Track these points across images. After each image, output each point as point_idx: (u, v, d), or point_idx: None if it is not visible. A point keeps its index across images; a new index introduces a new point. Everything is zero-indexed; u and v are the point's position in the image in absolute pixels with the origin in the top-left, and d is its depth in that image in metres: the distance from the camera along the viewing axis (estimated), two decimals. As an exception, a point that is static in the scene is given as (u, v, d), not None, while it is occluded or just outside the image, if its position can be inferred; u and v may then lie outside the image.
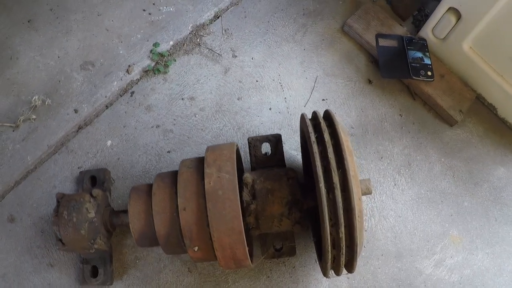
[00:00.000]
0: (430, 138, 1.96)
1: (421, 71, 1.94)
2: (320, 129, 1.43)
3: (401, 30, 2.05)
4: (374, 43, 1.99)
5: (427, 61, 1.97)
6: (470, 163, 1.95)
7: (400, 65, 1.96)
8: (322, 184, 1.35)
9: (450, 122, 1.98)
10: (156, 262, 1.77)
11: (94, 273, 1.73)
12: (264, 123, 1.94)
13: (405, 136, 1.95)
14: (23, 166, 1.88)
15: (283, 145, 1.85)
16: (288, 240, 1.70)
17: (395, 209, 1.85)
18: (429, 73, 1.95)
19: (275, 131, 1.90)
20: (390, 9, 2.13)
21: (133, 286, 1.75)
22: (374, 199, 1.86)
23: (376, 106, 1.98)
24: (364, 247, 1.79)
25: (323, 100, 1.97)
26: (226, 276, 1.76)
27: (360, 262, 1.78)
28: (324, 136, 1.39)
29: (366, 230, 1.82)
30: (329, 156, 1.36)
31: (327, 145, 1.38)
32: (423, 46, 2.00)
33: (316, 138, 1.42)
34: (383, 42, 1.98)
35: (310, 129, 1.44)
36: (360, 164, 1.89)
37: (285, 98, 1.98)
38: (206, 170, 1.44)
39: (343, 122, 1.93)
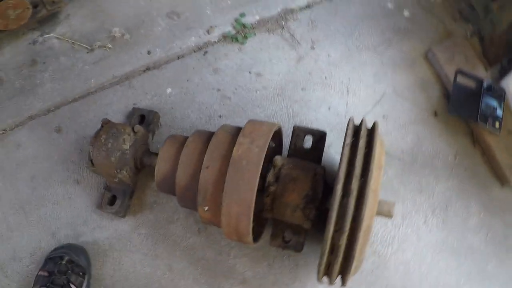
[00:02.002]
0: (476, 189, 1.89)
1: (489, 119, 1.87)
2: (358, 134, 1.42)
3: (483, 73, 1.98)
4: (452, 78, 1.94)
5: (499, 112, 1.89)
6: (509, 228, 1.86)
7: (471, 106, 1.89)
8: (339, 186, 1.34)
9: (502, 180, 1.90)
10: (171, 212, 1.83)
11: (112, 201, 1.81)
12: (318, 120, 1.94)
13: (452, 178, 1.89)
14: (85, 87, 1.99)
15: (329, 147, 1.87)
16: (300, 235, 1.68)
17: (416, 246, 1.80)
18: (497, 125, 1.87)
19: (326, 130, 1.88)
20: (480, 50, 2.06)
21: (142, 226, 1.81)
22: (399, 229, 1.82)
23: (434, 140, 1.93)
24: (372, 271, 1.77)
25: (383, 116, 1.94)
26: (230, 249, 1.79)
27: (363, 283, 1.76)
28: (360, 142, 1.39)
29: (379, 256, 1.78)
30: (356, 162, 1.35)
31: (358, 151, 1.37)
32: (500, 96, 1.92)
33: (352, 142, 1.41)
34: (461, 79, 1.92)
35: (350, 131, 1.43)
36: (397, 190, 1.85)
37: (347, 102, 1.96)
38: (239, 139, 1.47)
39: (396, 144, 1.91)
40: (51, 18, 2.08)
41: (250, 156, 1.42)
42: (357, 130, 1.46)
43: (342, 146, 1.40)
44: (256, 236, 1.60)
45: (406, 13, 2.09)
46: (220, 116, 1.94)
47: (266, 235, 1.73)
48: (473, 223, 1.85)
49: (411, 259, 1.79)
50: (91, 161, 1.69)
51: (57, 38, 2.06)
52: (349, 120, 1.47)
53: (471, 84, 1.92)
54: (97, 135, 1.68)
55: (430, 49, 2.00)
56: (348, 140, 1.41)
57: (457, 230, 1.83)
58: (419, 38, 2.07)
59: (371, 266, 1.77)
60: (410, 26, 2.08)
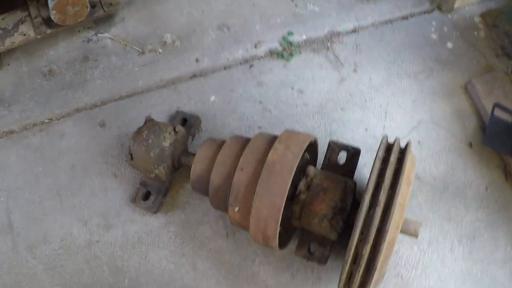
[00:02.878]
0: (506, 223, 1.88)
1: (524, 154, 1.88)
2: (391, 150, 1.46)
3: (522, 109, 2.00)
4: (489, 110, 1.95)
5: (534, 148, 1.90)
6: (536, 265, 1.86)
7: (506, 140, 1.90)
8: (368, 196, 1.37)
9: (533, 216, 1.89)
10: (202, 214, 1.87)
11: (146, 197, 1.86)
12: (355, 140, 1.98)
13: (482, 210, 1.89)
14: (133, 86, 2.08)
15: (363, 167, 1.90)
16: (325, 248, 1.70)
17: (440, 272, 1.80)
18: (532, 160, 1.88)
19: (362, 151, 1.91)
20: (521, 86, 2.09)
21: (172, 224, 1.86)
22: (424, 254, 1.82)
23: (467, 170, 1.94)
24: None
25: (418, 142, 1.96)
26: (255, 256, 1.81)
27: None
28: (391, 156, 1.42)
29: (402, 279, 1.79)
30: (386, 175, 1.39)
31: (389, 165, 1.40)
32: (537, 133, 1.93)
33: (383, 157, 1.45)
34: (498, 113, 1.93)
35: (382, 146, 1.47)
36: (426, 215, 1.86)
37: (384, 126, 2.00)
38: (275, 144, 1.52)
39: (428, 170, 1.93)
40: (107, 19, 2.19)
41: (284, 161, 1.47)
42: (390, 147, 1.49)
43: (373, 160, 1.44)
44: (282, 244, 1.63)
45: (449, 45, 2.14)
46: (259, 127, 2.00)
47: (292, 246, 1.75)
48: (499, 256, 1.83)
49: (433, 285, 1.79)
50: (131, 154, 1.75)
51: (111, 38, 2.16)
52: (383, 137, 1.51)
53: (508, 118, 1.93)
54: (139, 130, 1.75)
55: (470, 81, 2.03)
56: (380, 154, 1.45)
57: (482, 262, 1.82)
58: (460, 69, 2.10)
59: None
60: (452, 58, 2.12)
